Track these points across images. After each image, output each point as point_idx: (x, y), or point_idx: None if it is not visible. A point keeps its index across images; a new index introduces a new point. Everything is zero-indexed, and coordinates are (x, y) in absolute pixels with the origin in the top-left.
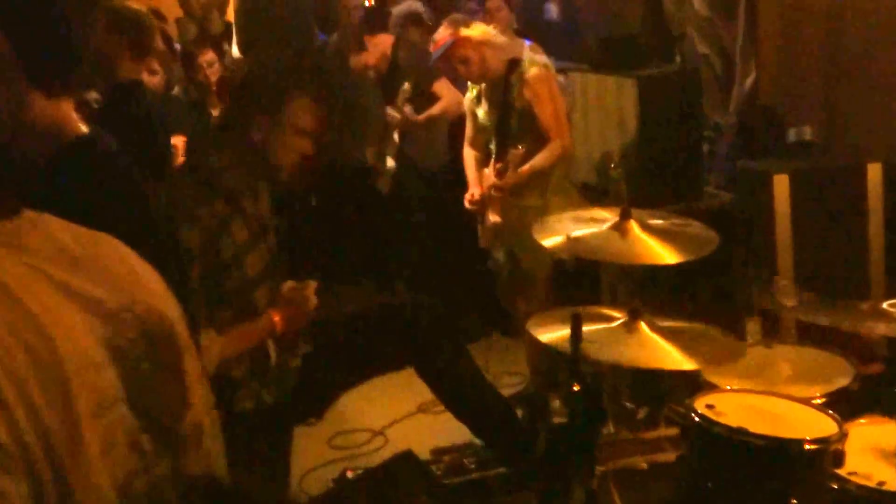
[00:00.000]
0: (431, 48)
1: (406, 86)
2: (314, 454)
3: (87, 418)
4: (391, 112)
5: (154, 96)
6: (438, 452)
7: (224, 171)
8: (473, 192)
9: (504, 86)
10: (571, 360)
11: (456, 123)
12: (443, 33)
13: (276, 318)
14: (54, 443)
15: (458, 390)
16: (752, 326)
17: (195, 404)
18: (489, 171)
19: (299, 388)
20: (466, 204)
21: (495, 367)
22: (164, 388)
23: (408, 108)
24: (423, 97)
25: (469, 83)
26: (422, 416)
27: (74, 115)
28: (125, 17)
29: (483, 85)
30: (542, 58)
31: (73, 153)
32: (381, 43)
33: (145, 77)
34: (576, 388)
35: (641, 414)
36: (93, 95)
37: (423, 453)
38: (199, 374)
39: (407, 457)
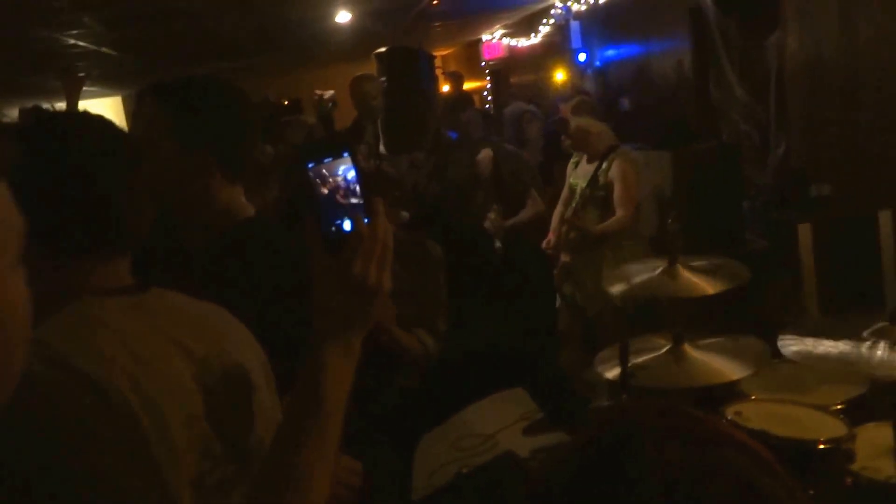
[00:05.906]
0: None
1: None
2: (442, 454)
3: (178, 427)
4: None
5: None
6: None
7: None
8: (550, 238)
9: (598, 162)
10: (620, 379)
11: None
12: (562, 109)
13: None
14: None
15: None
16: None
17: (259, 426)
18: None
19: (427, 402)
20: (544, 246)
21: None
22: (235, 412)
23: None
24: (515, 199)
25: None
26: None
27: (244, 200)
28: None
29: (584, 156)
30: (634, 153)
31: (246, 229)
32: (485, 157)
33: None
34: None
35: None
36: None
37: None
38: (270, 405)
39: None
